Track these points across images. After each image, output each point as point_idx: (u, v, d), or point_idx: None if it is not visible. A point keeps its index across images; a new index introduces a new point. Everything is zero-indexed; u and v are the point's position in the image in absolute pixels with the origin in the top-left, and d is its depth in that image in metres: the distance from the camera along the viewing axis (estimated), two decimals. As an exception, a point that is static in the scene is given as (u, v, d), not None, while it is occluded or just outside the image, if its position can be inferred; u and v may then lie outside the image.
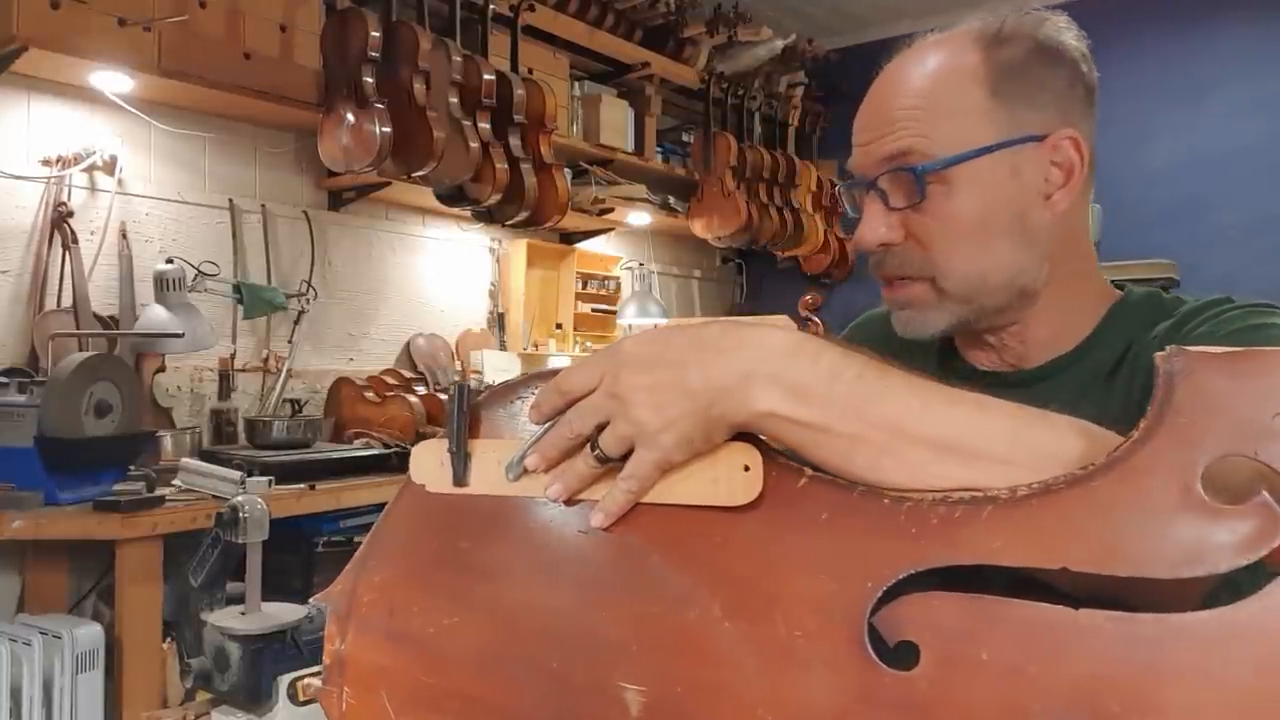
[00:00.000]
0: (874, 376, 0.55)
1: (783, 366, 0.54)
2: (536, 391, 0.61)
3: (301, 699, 1.29)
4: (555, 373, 0.60)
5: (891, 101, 0.82)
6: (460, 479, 0.64)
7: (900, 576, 0.46)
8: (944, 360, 0.94)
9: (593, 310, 4.11)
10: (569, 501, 0.60)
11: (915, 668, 0.45)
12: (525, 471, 0.60)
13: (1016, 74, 0.80)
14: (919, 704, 0.45)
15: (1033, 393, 0.84)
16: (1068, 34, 0.82)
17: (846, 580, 0.48)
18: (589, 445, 0.57)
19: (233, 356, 2.96)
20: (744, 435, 0.55)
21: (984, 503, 0.46)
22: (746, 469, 0.53)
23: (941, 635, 0.45)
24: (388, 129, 2.77)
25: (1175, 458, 0.41)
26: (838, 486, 0.51)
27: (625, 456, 0.57)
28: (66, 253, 2.58)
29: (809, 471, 0.52)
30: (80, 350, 2.35)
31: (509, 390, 0.63)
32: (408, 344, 3.50)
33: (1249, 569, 0.40)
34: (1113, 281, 0.90)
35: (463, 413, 0.63)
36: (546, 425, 0.60)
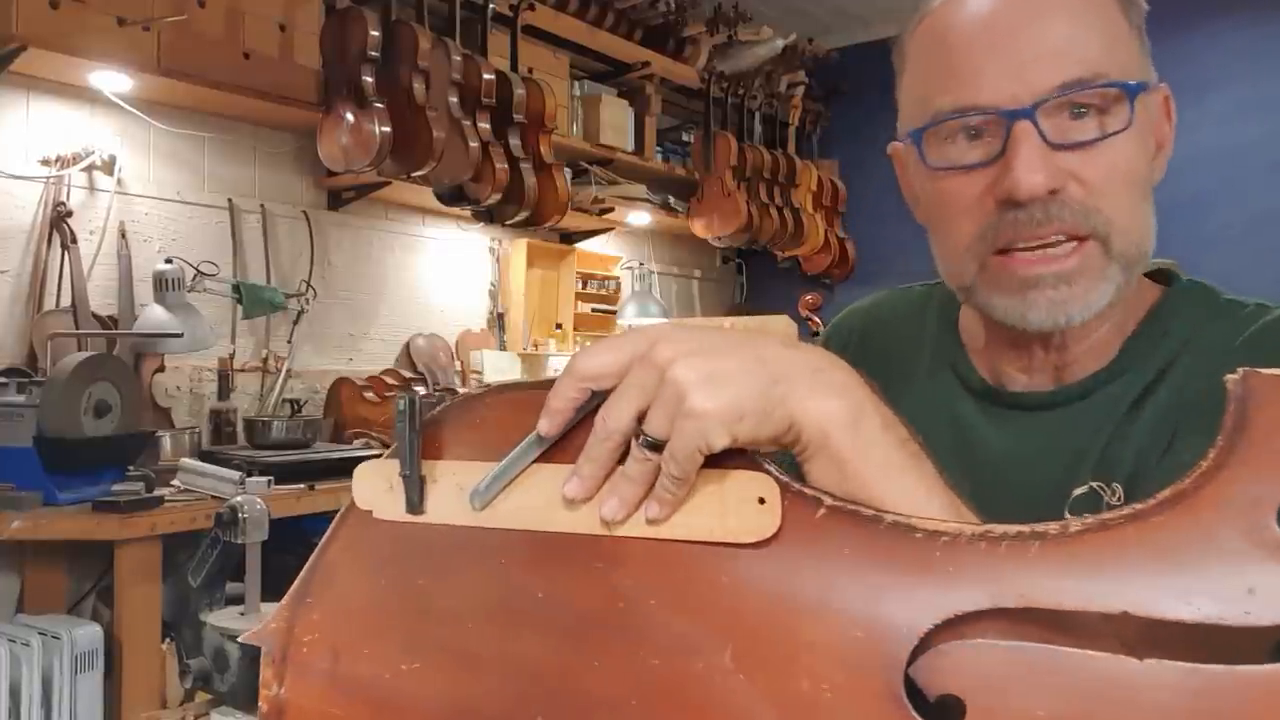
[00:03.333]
0: (915, 450, 0.50)
1: (851, 385, 0.49)
2: (494, 401, 0.54)
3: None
4: (522, 384, 0.53)
5: (1048, 18, 0.67)
6: (415, 507, 0.55)
7: (939, 621, 0.41)
8: (959, 375, 0.80)
9: (593, 310, 4.11)
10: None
11: None
12: (492, 500, 0.53)
13: (1137, 9, 0.71)
14: None
15: (1061, 416, 0.73)
16: None
17: (877, 626, 0.43)
18: (639, 437, 0.47)
19: (232, 356, 2.96)
20: (750, 461, 0.48)
21: (1031, 539, 0.41)
22: (761, 501, 0.46)
23: (989, 689, 0.40)
24: (387, 129, 2.76)
25: (1248, 493, 0.37)
26: (862, 518, 0.45)
27: None
28: (65, 252, 2.58)
29: (828, 500, 0.46)
30: (79, 350, 2.34)
31: (470, 402, 0.56)
32: (407, 344, 3.50)
33: None
34: (1151, 270, 0.79)
35: (415, 430, 0.54)
36: (519, 447, 0.51)
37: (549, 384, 0.51)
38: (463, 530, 0.54)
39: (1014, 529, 0.41)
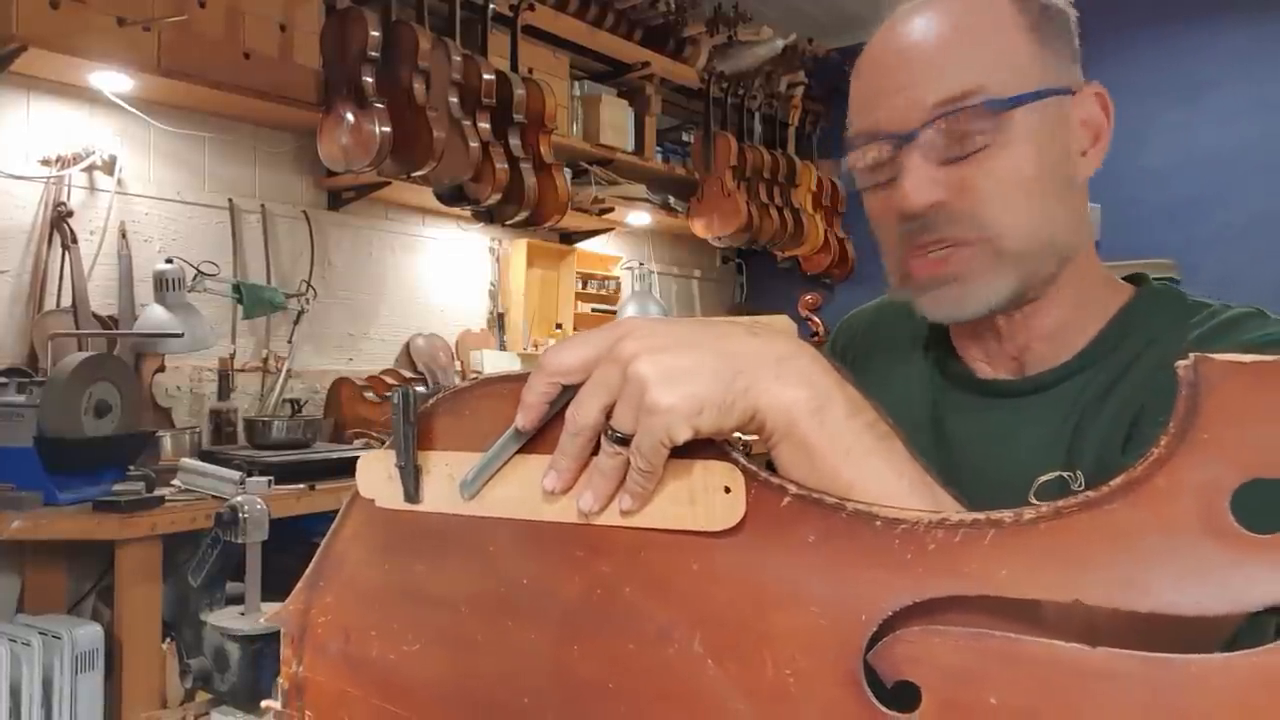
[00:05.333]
0: (884, 432, 0.50)
1: (816, 372, 0.50)
2: (481, 392, 0.55)
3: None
4: (508, 376, 0.54)
5: (933, 44, 0.74)
6: (412, 496, 0.57)
7: (896, 609, 0.42)
8: (940, 365, 0.87)
9: (593, 310, 4.10)
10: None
11: (916, 711, 0.41)
12: (479, 491, 0.55)
13: (1048, 18, 0.75)
14: None
15: (1029, 403, 0.78)
16: None
17: (838, 614, 0.43)
18: (607, 432, 0.49)
19: (232, 356, 2.96)
20: (718, 451, 0.49)
21: (986, 527, 0.41)
22: (727, 490, 0.47)
23: (945, 676, 0.41)
24: (387, 129, 2.76)
25: (1200, 479, 0.37)
26: (825, 506, 0.46)
27: None
28: (66, 253, 2.58)
29: (792, 489, 0.46)
30: (80, 350, 2.34)
31: (460, 394, 0.57)
32: (407, 344, 3.50)
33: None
34: (1127, 275, 0.84)
35: (410, 423, 0.56)
36: (501, 440, 0.53)
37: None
38: (456, 519, 0.56)
39: (970, 517, 0.42)
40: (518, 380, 0.53)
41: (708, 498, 0.48)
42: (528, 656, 0.52)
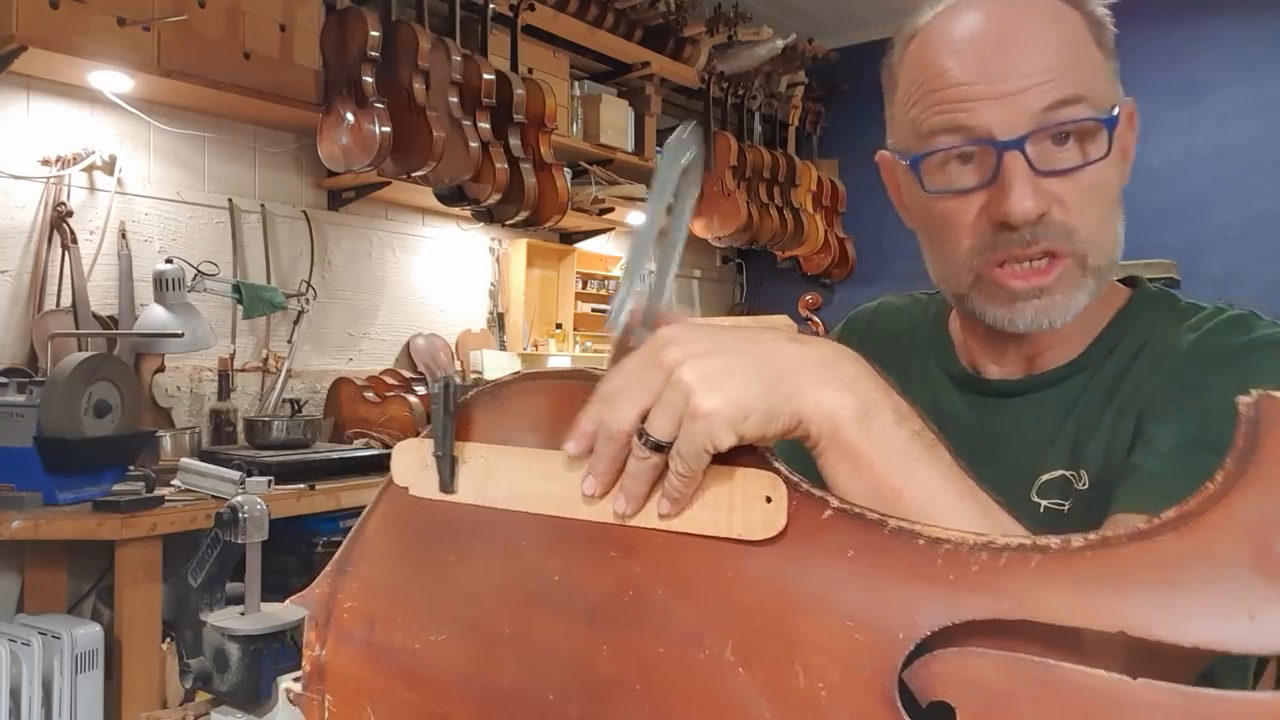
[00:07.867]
0: (930, 440, 0.50)
1: (860, 377, 0.49)
2: (520, 388, 0.56)
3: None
4: (549, 373, 0.55)
5: (1035, 43, 0.70)
6: (448, 485, 0.58)
7: (936, 628, 0.42)
8: (941, 364, 0.87)
9: (592, 310, 4.11)
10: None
11: None
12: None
13: (1108, 34, 0.75)
14: None
15: (1028, 403, 0.79)
16: None
17: (875, 629, 0.43)
18: (640, 436, 0.49)
19: (232, 356, 2.96)
20: (760, 460, 0.48)
21: (1032, 552, 0.40)
22: (769, 500, 0.47)
23: (981, 698, 0.40)
24: (387, 129, 2.76)
25: (1255, 516, 0.36)
26: (866, 521, 0.45)
27: None
28: (66, 252, 2.58)
29: (835, 502, 0.46)
30: (80, 350, 2.34)
31: (499, 388, 0.58)
32: (407, 344, 3.50)
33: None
34: (1121, 277, 0.84)
35: (449, 413, 0.57)
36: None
37: (574, 373, 0.54)
38: (487, 511, 0.57)
39: (1016, 540, 0.41)
40: (557, 376, 0.54)
41: (748, 506, 0.48)
42: (554, 652, 0.52)
